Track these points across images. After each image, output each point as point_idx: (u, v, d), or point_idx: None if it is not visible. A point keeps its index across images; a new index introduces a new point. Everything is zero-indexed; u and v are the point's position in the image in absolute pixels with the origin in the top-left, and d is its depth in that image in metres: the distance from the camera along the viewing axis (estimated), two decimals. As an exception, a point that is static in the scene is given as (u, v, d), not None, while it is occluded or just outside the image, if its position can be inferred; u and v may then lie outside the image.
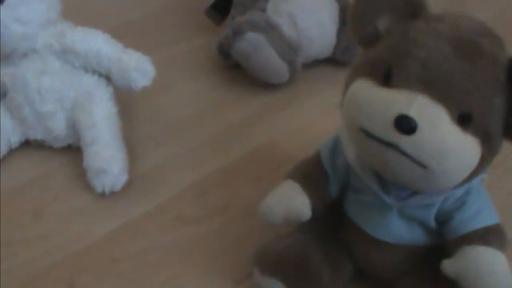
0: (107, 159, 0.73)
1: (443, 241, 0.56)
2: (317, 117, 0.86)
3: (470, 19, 0.51)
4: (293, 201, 0.59)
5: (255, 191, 0.74)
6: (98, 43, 0.78)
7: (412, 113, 0.46)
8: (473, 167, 0.49)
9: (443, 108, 0.47)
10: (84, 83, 0.79)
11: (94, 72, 0.79)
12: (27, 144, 0.81)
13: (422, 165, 0.47)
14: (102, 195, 0.74)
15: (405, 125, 0.46)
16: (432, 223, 0.56)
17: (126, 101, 0.84)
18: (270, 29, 0.85)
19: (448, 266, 0.53)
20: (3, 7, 0.71)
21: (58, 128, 0.78)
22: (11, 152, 0.80)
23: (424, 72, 0.48)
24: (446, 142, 0.47)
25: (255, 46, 0.84)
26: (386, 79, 0.49)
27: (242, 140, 0.83)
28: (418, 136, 0.46)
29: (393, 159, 0.48)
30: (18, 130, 0.80)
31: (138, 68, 0.77)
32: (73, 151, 0.80)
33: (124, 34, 0.83)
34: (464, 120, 0.48)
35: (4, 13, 0.71)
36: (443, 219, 0.55)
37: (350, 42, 0.90)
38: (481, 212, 0.54)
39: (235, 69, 0.92)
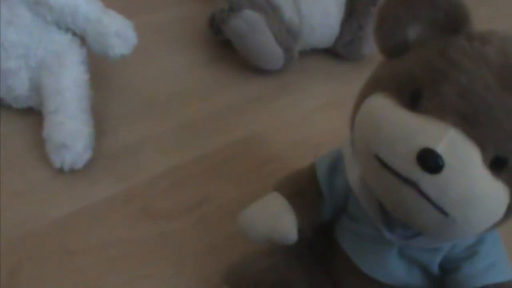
0: (71, 132, 0.66)
1: (444, 289, 0.50)
2: (310, 113, 0.79)
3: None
4: (279, 222, 0.51)
5: (234, 190, 0.67)
6: (76, -2, 0.69)
7: (440, 148, 0.39)
8: (498, 218, 0.42)
9: (477, 147, 0.40)
10: (55, 41, 0.71)
11: (67, 30, 0.71)
12: (-19, 101, 0.73)
13: (443, 211, 0.40)
14: (61, 171, 0.66)
15: (430, 161, 0.39)
16: (436, 269, 0.49)
17: (99, 68, 0.75)
18: (270, 10, 0.77)
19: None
20: None
21: (20, 87, 0.70)
22: (-38, 107, 0.72)
23: (462, 103, 0.40)
24: (474, 188, 0.40)
25: (252, 26, 0.76)
26: (413, 100, 0.42)
27: (224, 129, 0.75)
28: (443, 177, 0.39)
29: (410, 198, 0.41)
30: (-27, 84, 0.71)
31: (119, 34, 0.70)
32: (34, 114, 0.72)
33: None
34: (497, 165, 0.41)
35: None
36: (449, 267, 0.49)
37: (354, 36, 0.83)
38: (494, 266, 0.48)
39: (225, 47, 0.83)
